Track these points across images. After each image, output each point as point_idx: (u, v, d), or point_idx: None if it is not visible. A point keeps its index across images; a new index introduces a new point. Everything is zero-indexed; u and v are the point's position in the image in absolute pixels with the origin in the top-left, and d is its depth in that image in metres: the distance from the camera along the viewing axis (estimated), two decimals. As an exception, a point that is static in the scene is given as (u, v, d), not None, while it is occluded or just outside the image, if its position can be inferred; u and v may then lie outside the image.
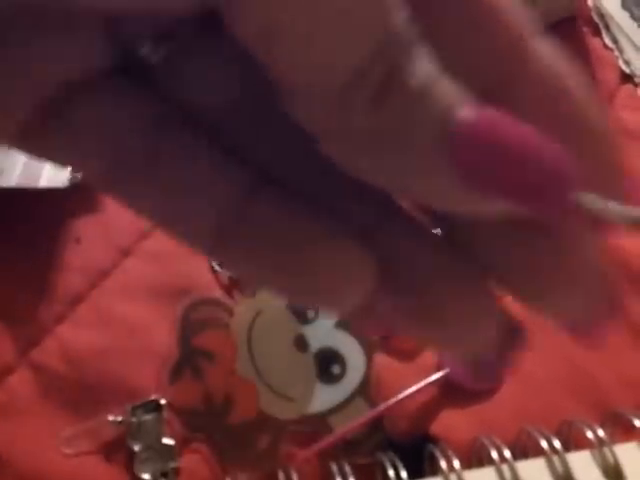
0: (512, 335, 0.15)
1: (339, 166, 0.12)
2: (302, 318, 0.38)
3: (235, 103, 0.13)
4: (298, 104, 0.11)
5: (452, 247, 0.14)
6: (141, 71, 0.13)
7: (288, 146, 0.13)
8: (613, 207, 0.12)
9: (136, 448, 0.35)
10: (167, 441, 0.36)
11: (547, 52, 0.13)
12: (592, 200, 0.12)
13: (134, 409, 0.36)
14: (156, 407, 0.36)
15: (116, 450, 0.36)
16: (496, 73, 0.12)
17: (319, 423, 0.37)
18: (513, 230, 0.13)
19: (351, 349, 0.38)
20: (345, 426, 0.35)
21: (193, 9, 0.11)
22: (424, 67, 0.11)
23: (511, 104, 0.12)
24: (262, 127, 0.13)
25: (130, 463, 0.35)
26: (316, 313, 0.38)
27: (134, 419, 0.36)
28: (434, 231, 0.14)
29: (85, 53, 0.12)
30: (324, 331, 0.38)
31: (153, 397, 0.36)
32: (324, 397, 0.37)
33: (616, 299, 0.14)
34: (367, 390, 0.37)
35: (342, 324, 0.38)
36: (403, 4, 0.11)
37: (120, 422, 0.36)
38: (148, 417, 0.36)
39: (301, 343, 0.38)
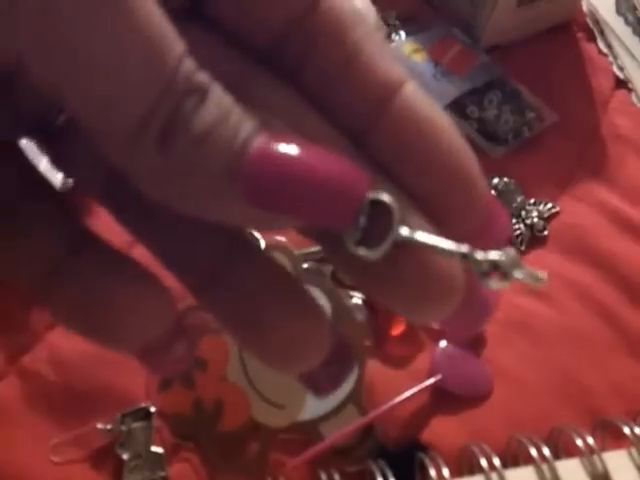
0: (340, 356, 0.16)
1: (151, 199, 0.13)
2: None
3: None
4: (101, 146, 0.13)
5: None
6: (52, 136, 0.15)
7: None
8: (432, 238, 0.13)
9: (125, 456, 0.35)
10: (156, 449, 0.36)
11: (414, 98, 0.14)
12: (413, 232, 0.13)
13: (123, 417, 0.36)
14: (146, 415, 0.36)
15: (105, 458, 0.36)
16: (356, 119, 0.14)
17: (310, 431, 0.37)
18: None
19: None
20: (336, 433, 0.36)
21: None
22: (209, 110, 0.12)
23: (371, 146, 0.14)
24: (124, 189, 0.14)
25: (119, 471, 0.35)
26: None
27: (123, 427, 0.36)
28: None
29: None
30: None
31: (143, 405, 0.37)
32: (315, 404, 0.37)
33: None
34: (358, 397, 0.37)
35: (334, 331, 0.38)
36: (186, 56, 0.12)
37: (109, 430, 0.36)
38: (137, 425, 0.36)
39: None
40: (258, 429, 0.36)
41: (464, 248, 0.13)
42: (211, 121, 0.12)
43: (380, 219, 0.13)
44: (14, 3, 0.11)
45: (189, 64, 0.12)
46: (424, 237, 0.13)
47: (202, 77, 0.12)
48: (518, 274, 0.14)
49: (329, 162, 0.13)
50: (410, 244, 0.13)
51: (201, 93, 0.12)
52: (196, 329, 0.38)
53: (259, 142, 0.12)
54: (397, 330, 0.40)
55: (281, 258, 0.39)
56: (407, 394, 0.37)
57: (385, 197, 0.13)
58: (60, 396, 0.37)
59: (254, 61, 0.15)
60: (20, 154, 0.15)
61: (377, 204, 0.13)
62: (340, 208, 0.13)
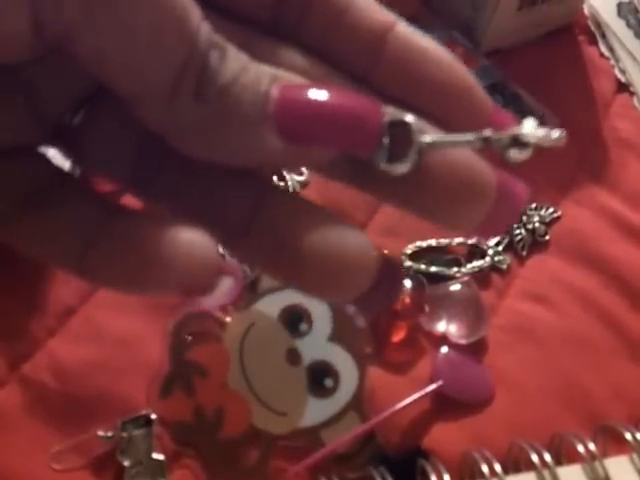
0: (388, 275, 0.17)
1: (190, 156, 0.15)
2: (294, 331, 0.38)
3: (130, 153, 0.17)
4: (140, 111, 0.15)
5: None
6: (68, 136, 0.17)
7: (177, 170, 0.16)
8: (452, 136, 0.15)
9: (126, 463, 0.36)
10: (157, 456, 0.36)
11: (406, 33, 0.17)
12: (434, 136, 0.15)
13: (124, 424, 0.36)
14: (146, 422, 0.37)
15: (106, 465, 0.36)
16: (359, 63, 0.16)
17: (311, 437, 0.37)
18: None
19: (344, 362, 0.38)
20: (337, 440, 0.36)
21: (30, 49, 0.14)
22: (229, 64, 0.14)
23: (376, 86, 0.16)
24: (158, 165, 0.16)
25: (120, 478, 0.36)
26: (309, 326, 0.39)
27: (124, 434, 0.36)
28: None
29: (8, 131, 0.16)
30: (317, 344, 0.38)
31: (144, 412, 0.37)
32: (316, 411, 0.37)
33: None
34: (360, 403, 0.38)
35: (335, 337, 0.38)
36: (204, 20, 0.14)
37: (110, 437, 0.36)
38: (138, 432, 0.36)
39: (293, 356, 0.38)
40: (259, 436, 0.37)
41: (486, 132, 0.15)
42: (236, 70, 0.14)
43: (401, 137, 0.15)
44: None
45: (207, 27, 0.14)
46: (444, 137, 0.15)
47: (218, 38, 0.14)
48: (534, 138, 0.15)
49: (346, 95, 0.15)
50: (434, 148, 0.15)
51: (221, 50, 0.14)
52: (196, 336, 0.38)
53: (282, 84, 0.14)
54: (398, 336, 0.40)
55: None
56: (408, 400, 0.37)
57: (401, 115, 0.15)
58: (61, 403, 0.37)
59: (255, 30, 0.17)
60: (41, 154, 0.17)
61: (396, 125, 0.15)
62: (365, 131, 0.14)
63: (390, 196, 0.16)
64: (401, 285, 0.18)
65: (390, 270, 0.16)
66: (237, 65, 0.14)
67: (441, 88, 0.16)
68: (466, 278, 0.42)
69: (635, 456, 0.32)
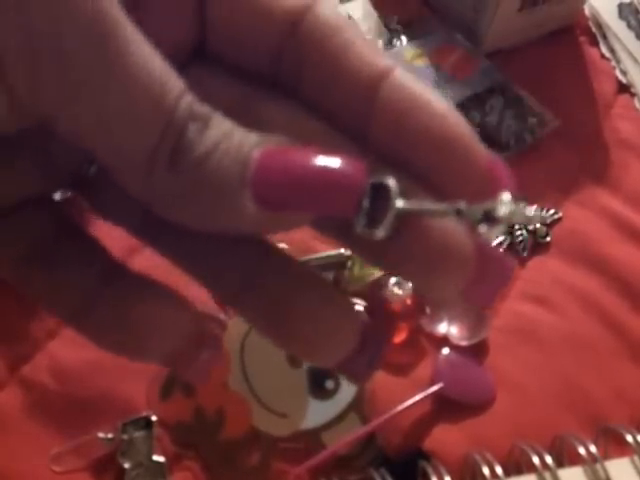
0: (372, 341, 0.17)
1: (170, 222, 0.15)
2: None
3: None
4: (121, 182, 0.15)
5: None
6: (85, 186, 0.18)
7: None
8: (428, 204, 0.15)
9: (126, 465, 0.36)
10: (157, 458, 0.36)
11: (402, 79, 0.16)
12: (410, 202, 0.14)
13: (125, 426, 0.37)
14: (147, 424, 0.37)
15: (106, 468, 0.36)
16: (355, 114, 0.16)
17: (312, 439, 0.37)
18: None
19: None
20: (338, 442, 0.36)
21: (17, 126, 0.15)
22: (210, 133, 0.14)
23: (373, 138, 0.16)
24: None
25: (120, 480, 0.36)
26: None
27: (125, 436, 0.36)
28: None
29: (25, 182, 0.17)
30: None
31: (144, 414, 0.37)
32: (317, 413, 0.37)
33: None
34: (360, 405, 0.38)
35: None
36: (186, 91, 0.14)
37: (110, 439, 0.36)
38: (139, 434, 0.36)
39: (294, 358, 0.38)
40: (259, 438, 0.37)
41: (460, 205, 0.14)
42: (217, 137, 0.14)
43: (381, 201, 0.14)
44: (35, 65, 0.13)
45: (189, 98, 0.14)
46: (419, 205, 0.15)
47: (203, 108, 0.14)
48: (506, 216, 0.14)
49: (327, 159, 0.14)
50: (410, 214, 0.15)
51: (203, 121, 0.14)
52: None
53: (262, 150, 0.14)
54: (399, 338, 0.40)
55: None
56: (409, 402, 0.37)
57: (382, 178, 0.14)
58: (61, 405, 0.38)
59: (255, 84, 0.17)
60: (52, 201, 0.18)
61: (378, 187, 0.14)
62: (343, 197, 0.14)
63: (374, 259, 0.16)
64: (384, 351, 0.18)
65: (375, 335, 0.17)
66: (219, 132, 0.14)
67: (434, 140, 0.15)
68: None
69: (636, 458, 0.33)
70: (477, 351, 0.41)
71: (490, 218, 0.14)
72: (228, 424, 0.37)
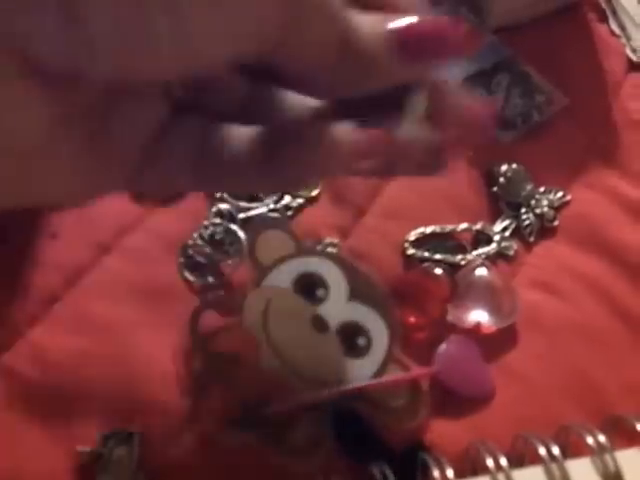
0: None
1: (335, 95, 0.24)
2: (313, 299, 0.38)
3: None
4: (303, 78, 0.23)
5: None
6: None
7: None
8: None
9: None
10: (138, 476, 0.34)
11: None
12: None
13: (106, 439, 0.35)
14: (128, 437, 0.35)
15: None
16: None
17: (361, 399, 0.36)
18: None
19: (369, 318, 0.38)
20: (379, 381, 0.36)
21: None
22: (361, 19, 0.23)
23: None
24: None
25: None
26: (326, 291, 0.38)
27: (105, 450, 0.35)
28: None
29: (153, 110, 0.25)
30: (338, 307, 0.38)
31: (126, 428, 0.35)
32: (357, 372, 0.37)
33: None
34: (396, 355, 0.38)
35: (354, 296, 0.38)
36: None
37: (89, 452, 0.35)
38: (120, 449, 0.35)
39: (319, 323, 0.37)
40: (308, 410, 0.35)
41: None
42: (366, 22, 0.22)
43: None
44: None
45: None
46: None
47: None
48: None
49: (439, 19, 0.22)
50: None
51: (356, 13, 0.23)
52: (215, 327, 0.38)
53: (397, 21, 0.22)
54: (422, 333, 0.40)
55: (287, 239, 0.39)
56: (404, 375, 0.37)
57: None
58: (42, 396, 0.37)
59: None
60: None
61: None
62: (455, 41, 0.23)
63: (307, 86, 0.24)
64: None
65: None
66: (366, 17, 0.22)
67: None
68: (479, 262, 0.42)
69: (646, 449, 0.32)
70: (481, 340, 0.40)
71: None
72: (271, 404, 0.35)
